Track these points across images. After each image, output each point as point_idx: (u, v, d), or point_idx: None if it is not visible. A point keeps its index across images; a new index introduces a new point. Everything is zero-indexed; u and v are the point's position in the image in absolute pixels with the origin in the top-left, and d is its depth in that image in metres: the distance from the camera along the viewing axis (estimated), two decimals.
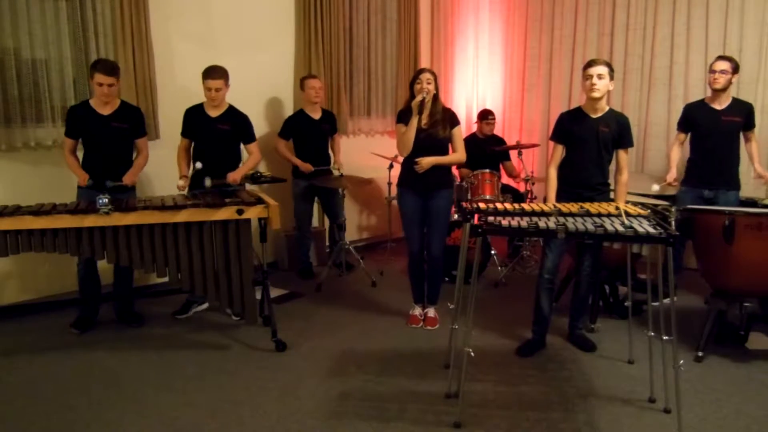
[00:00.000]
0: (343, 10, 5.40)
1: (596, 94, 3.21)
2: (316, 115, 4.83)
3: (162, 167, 4.14)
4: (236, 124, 3.93)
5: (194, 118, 3.88)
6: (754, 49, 4.77)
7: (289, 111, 5.21)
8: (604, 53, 5.59)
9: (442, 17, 6.35)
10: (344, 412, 2.78)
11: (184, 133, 3.94)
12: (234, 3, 4.78)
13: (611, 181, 3.44)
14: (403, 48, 5.95)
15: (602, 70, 3.18)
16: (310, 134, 4.81)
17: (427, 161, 3.57)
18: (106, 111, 3.60)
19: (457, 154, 3.71)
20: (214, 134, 3.87)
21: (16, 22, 3.72)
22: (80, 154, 3.71)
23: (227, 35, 4.75)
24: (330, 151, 4.99)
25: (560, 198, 3.35)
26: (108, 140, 3.61)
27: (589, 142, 3.29)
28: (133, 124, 3.70)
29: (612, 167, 3.40)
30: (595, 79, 3.17)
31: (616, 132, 3.29)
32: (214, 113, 3.88)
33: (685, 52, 5.12)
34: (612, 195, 3.43)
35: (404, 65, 5.96)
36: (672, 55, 5.19)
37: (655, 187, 4.15)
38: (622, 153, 3.35)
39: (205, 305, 4.13)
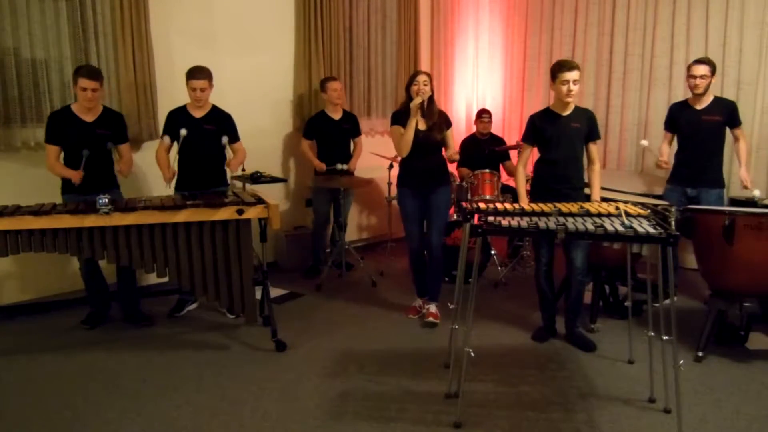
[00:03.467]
0: (343, 10, 5.40)
1: (571, 99, 3.38)
2: (337, 116, 4.88)
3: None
4: (221, 123, 3.92)
5: (179, 119, 3.84)
6: (754, 49, 4.77)
7: (289, 111, 5.22)
8: (604, 53, 5.59)
9: (442, 17, 6.35)
10: (344, 412, 2.78)
11: (167, 133, 3.88)
12: (234, 3, 4.78)
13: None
14: (403, 48, 5.94)
15: (577, 75, 3.33)
16: (330, 134, 4.86)
17: (454, 151, 3.84)
18: (89, 118, 3.58)
19: (452, 149, 3.88)
20: (200, 135, 3.84)
21: (16, 22, 3.72)
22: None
23: (227, 35, 4.75)
24: (351, 152, 5.02)
25: (543, 196, 3.39)
26: (92, 148, 3.57)
27: (564, 140, 3.43)
28: (115, 130, 3.68)
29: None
30: (571, 85, 3.32)
31: (586, 127, 3.45)
32: (198, 114, 3.86)
33: (685, 52, 5.11)
34: (587, 191, 3.56)
35: (404, 65, 5.95)
36: (672, 55, 5.19)
37: (644, 142, 4.25)
38: (592, 146, 3.52)
39: (196, 304, 4.15)
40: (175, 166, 3.81)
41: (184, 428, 2.65)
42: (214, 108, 3.93)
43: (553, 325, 3.66)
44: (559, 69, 3.34)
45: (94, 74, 3.49)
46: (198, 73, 3.76)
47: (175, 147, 3.83)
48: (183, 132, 3.66)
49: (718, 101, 4.05)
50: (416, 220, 3.85)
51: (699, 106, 4.04)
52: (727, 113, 4.00)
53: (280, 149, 5.23)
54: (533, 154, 3.66)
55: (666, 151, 4.31)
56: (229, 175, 4.03)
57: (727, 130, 4.08)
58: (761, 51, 4.75)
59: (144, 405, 2.84)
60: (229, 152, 4.03)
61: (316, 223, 5.03)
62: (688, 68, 4.03)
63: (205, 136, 3.86)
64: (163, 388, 3.00)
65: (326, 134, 4.86)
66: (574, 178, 3.45)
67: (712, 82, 3.98)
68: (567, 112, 3.44)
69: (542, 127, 3.49)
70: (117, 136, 3.71)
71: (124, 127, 3.78)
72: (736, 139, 4.09)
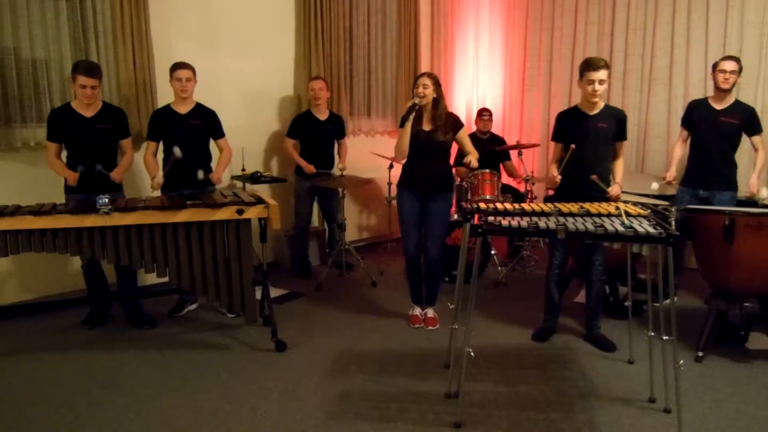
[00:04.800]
0: (343, 10, 5.39)
1: (597, 99, 3.34)
2: (322, 116, 4.85)
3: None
4: (206, 119, 3.91)
5: (164, 118, 3.84)
6: (754, 49, 4.77)
7: (288, 111, 5.22)
8: (604, 53, 5.58)
9: (442, 17, 6.35)
10: (344, 412, 2.78)
11: (152, 137, 3.87)
12: (234, 3, 4.78)
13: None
14: (403, 48, 5.94)
15: (604, 74, 3.27)
16: (315, 135, 4.83)
17: (475, 157, 3.63)
18: (89, 113, 3.58)
19: (471, 154, 3.67)
20: (187, 131, 3.83)
21: (16, 22, 3.72)
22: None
23: (227, 35, 4.75)
24: (336, 154, 5.00)
25: (567, 197, 3.31)
26: (93, 142, 3.58)
27: (589, 140, 3.37)
28: (116, 124, 3.68)
29: None
30: (597, 85, 3.27)
31: (615, 126, 3.41)
32: (183, 110, 3.86)
33: (685, 52, 5.11)
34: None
35: (404, 65, 5.95)
36: (672, 55, 5.19)
37: (654, 186, 4.14)
38: (617, 143, 3.48)
39: (196, 304, 4.14)
40: (160, 174, 3.76)
41: (184, 428, 2.65)
42: (198, 105, 3.92)
43: (554, 326, 3.66)
44: (585, 68, 3.30)
45: (93, 71, 3.48)
46: (182, 65, 3.80)
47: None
48: (177, 152, 3.60)
49: (738, 104, 3.99)
50: (413, 224, 3.74)
51: (718, 107, 3.97)
52: (745, 118, 3.94)
53: (281, 149, 5.22)
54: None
55: (677, 155, 4.21)
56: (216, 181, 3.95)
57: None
58: (761, 51, 4.75)
59: (144, 405, 2.84)
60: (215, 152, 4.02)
61: (298, 227, 4.97)
62: (715, 65, 3.94)
63: (191, 132, 3.85)
64: (163, 388, 3.00)
65: (310, 134, 4.82)
66: (599, 178, 3.36)
67: (737, 81, 3.93)
68: (594, 112, 3.40)
69: (568, 126, 3.45)
70: (118, 131, 3.70)
71: (125, 121, 3.77)
72: (754, 148, 4.01)
